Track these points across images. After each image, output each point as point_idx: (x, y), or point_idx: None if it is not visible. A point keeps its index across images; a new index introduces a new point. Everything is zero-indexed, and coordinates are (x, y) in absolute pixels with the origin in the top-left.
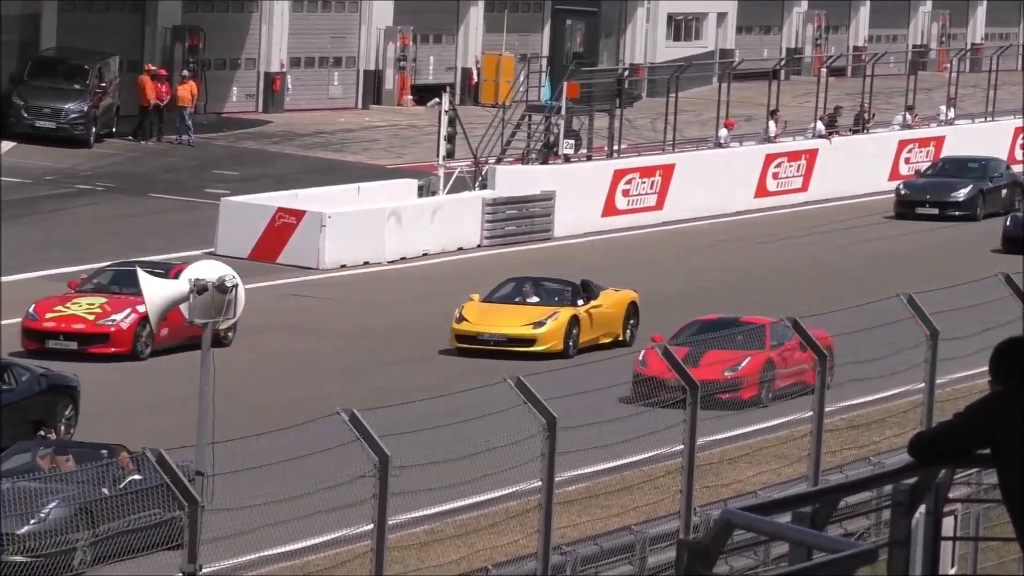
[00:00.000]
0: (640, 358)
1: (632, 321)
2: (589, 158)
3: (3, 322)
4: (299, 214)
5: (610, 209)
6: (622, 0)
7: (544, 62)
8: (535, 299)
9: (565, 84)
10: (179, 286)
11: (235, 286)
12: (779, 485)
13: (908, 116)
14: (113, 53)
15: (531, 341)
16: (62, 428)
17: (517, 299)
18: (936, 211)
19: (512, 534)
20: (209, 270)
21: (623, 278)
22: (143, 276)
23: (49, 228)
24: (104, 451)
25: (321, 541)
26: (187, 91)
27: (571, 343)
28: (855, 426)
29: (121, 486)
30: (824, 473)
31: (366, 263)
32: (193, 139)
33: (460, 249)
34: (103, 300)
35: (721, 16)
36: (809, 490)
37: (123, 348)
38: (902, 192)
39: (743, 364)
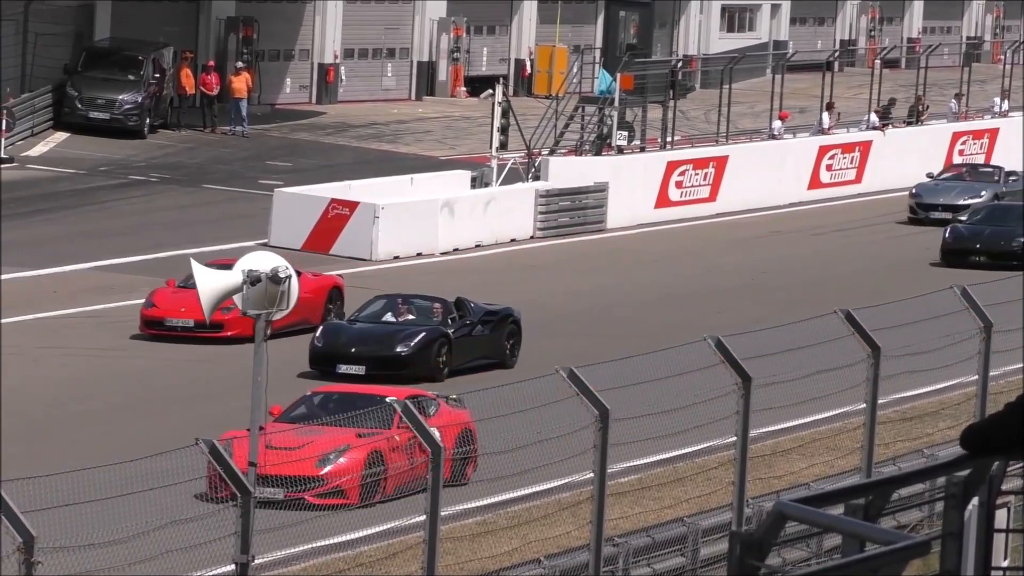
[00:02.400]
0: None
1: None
2: (642, 149)
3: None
4: (352, 205)
5: (663, 201)
6: None
7: (598, 53)
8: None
9: (619, 75)
10: (233, 277)
11: (288, 277)
12: (832, 477)
13: (957, 105)
14: (167, 44)
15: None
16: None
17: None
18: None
19: (564, 525)
20: (263, 261)
21: (675, 269)
22: (196, 267)
23: (103, 219)
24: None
25: (373, 532)
26: (242, 82)
27: None
28: (908, 418)
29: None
30: (877, 465)
31: (419, 254)
32: (247, 130)
33: (513, 240)
34: None
35: (775, 8)
36: (862, 482)
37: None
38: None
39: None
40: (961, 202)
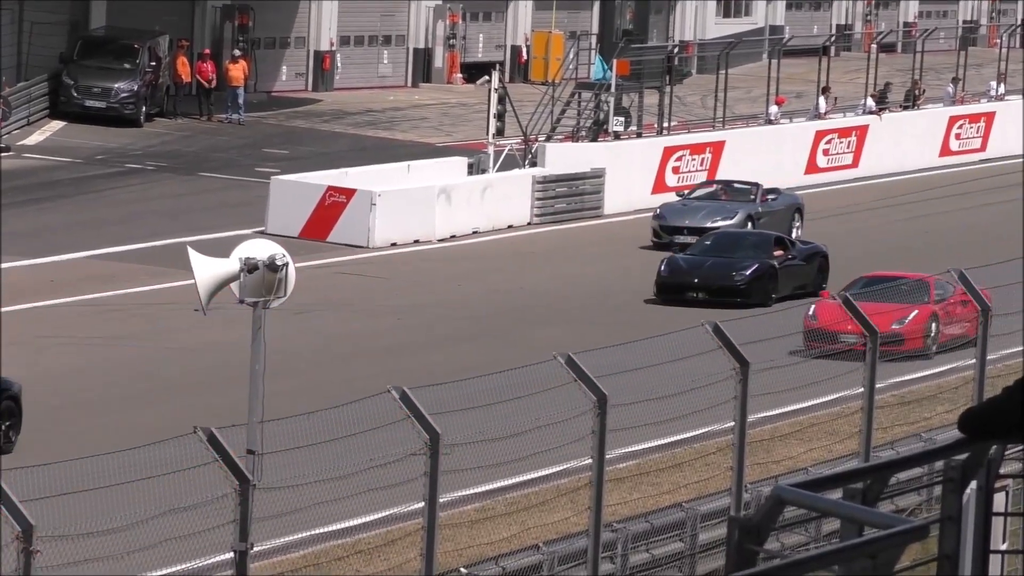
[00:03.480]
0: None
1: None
2: (639, 135)
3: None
4: (349, 193)
5: (660, 186)
6: None
7: (594, 39)
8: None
9: (615, 61)
10: (230, 265)
11: (285, 265)
12: (830, 462)
13: (953, 89)
14: (163, 32)
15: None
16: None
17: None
18: None
19: (563, 511)
20: (260, 249)
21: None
22: (193, 255)
23: (99, 207)
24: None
25: (372, 519)
26: (239, 70)
27: None
28: (906, 402)
29: None
30: (875, 449)
31: (416, 241)
32: (243, 118)
33: (510, 227)
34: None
35: None
36: (860, 466)
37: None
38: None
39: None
40: (710, 224)
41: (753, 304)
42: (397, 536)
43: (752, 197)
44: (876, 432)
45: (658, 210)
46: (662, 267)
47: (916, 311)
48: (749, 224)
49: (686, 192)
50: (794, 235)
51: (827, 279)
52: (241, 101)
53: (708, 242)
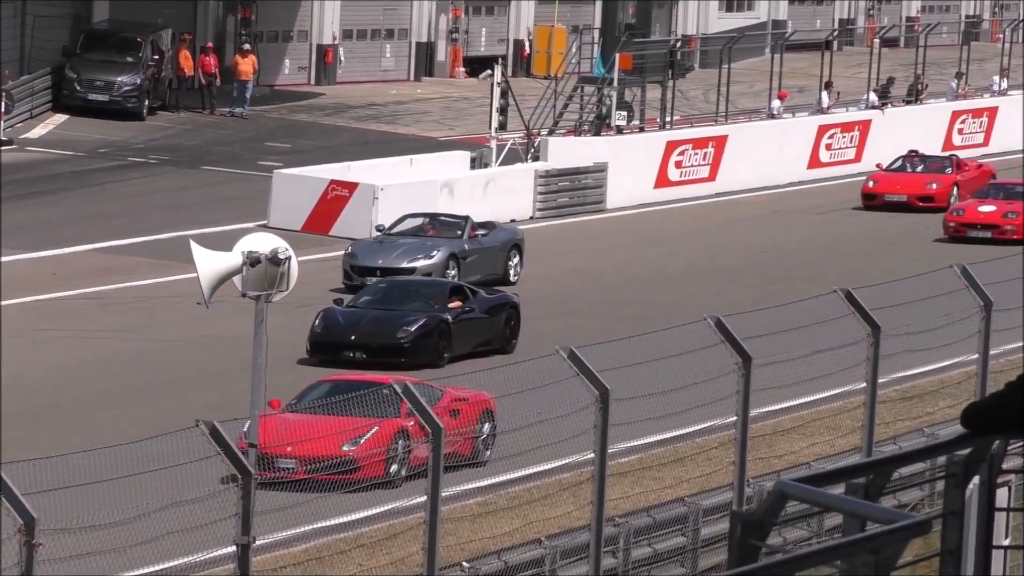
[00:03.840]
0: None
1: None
2: (641, 129)
3: (54, 295)
4: (352, 186)
5: (662, 180)
6: None
7: (596, 33)
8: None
9: (617, 55)
10: (232, 259)
11: (288, 258)
12: (832, 457)
13: (957, 84)
14: (166, 25)
15: None
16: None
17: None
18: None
19: (565, 506)
20: (262, 242)
21: (674, 249)
22: (195, 248)
23: (102, 201)
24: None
25: (374, 513)
26: (249, 64)
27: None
28: (908, 397)
29: None
30: (877, 444)
31: None
32: (247, 112)
33: (512, 221)
34: None
35: None
36: (862, 461)
37: None
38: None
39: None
40: (406, 265)
41: (421, 365)
42: (399, 530)
43: (459, 233)
44: (878, 427)
45: (350, 246)
46: (316, 322)
47: (377, 427)
48: (453, 265)
49: (386, 226)
50: (512, 275)
51: (517, 334)
52: (248, 95)
53: (376, 292)
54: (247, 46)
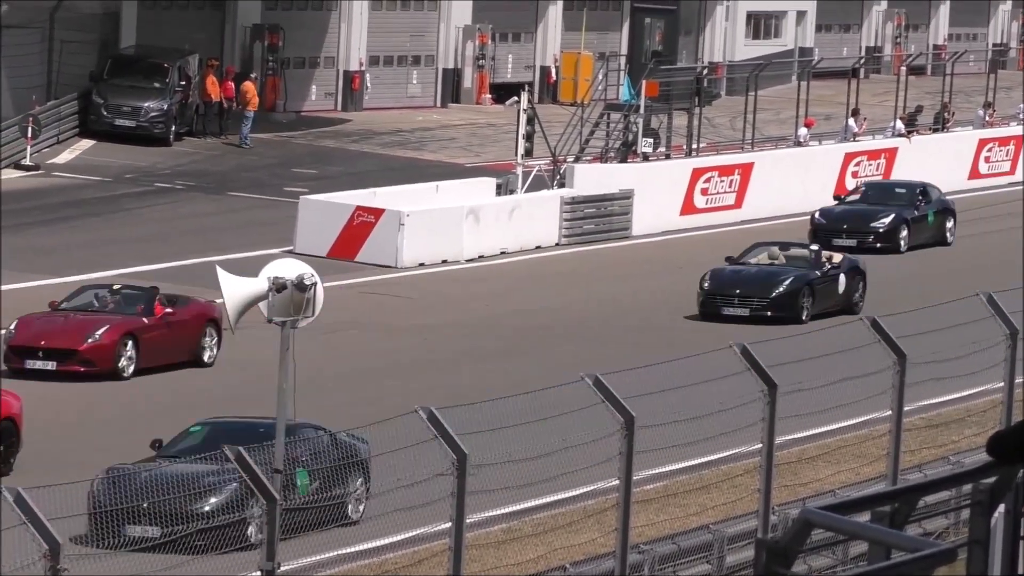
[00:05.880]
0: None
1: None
2: (668, 156)
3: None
4: (378, 212)
5: (688, 208)
6: None
7: (623, 60)
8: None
9: (644, 82)
10: (258, 284)
11: (314, 284)
12: (857, 484)
13: (984, 112)
14: (193, 51)
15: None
16: None
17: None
18: (854, 242)
19: (590, 532)
20: (288, 268)
21: (700, 276)
22: (222, 274)
23: (128, 226)
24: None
25: (399, 539)
26: (250, 91)
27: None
28: (934, 425)
29: None
30: (903, 472)
31: (444, 261)
32: (246, 142)
33: (538, 248)
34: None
35: (801, 14)
36: (888, 489)
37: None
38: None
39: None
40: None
41: None
42: (424, 556)
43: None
44: (904, 455)
45: (815, 213)
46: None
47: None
48: None
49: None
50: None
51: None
52: (247, 124)
53: None
54: (254, 74)
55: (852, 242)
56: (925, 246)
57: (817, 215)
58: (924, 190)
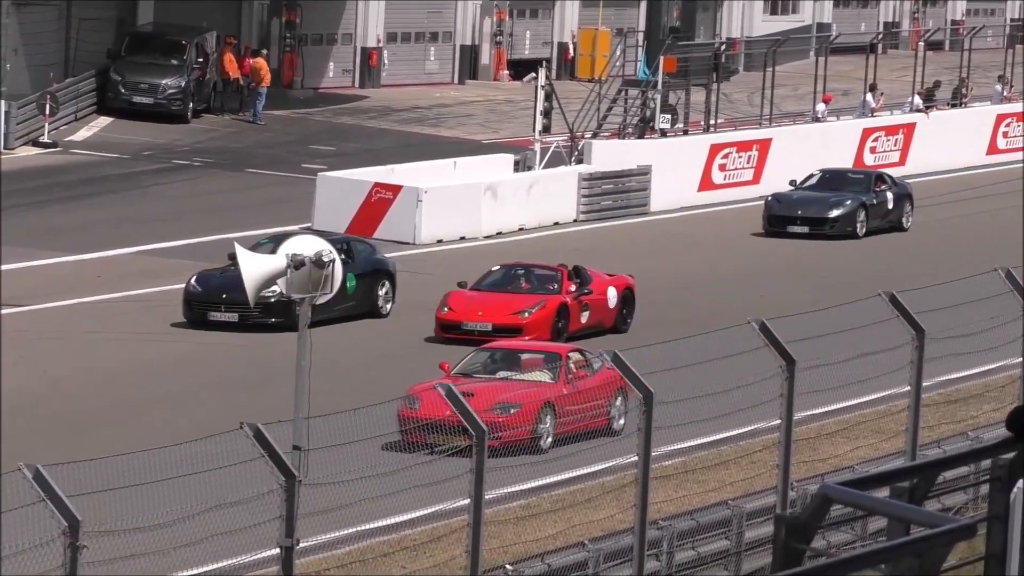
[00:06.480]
0: None
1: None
2: (686, 132)
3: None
4: (396, 189)
5: (706, 183)
6: None
7: (640, 36)
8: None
9: (662, 58)
10: (277, 261)
11: (332, 261)
12: (876, 460)
13: (1001, 87)
14: (210, 28)
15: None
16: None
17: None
18: (807, 228)
19: (608, 509)
20: (306, 245)
21: (718, 252)
22: (240, 251)
23: (146, 203)
24: None
25: (418, 515)
26: (260, 67)
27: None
28: (952, 400)
29: None
30: (922, 448)
31: (462, 238)
32: (259, 119)
33: (556, 224)
34: None
35: None
36: (907, 465)
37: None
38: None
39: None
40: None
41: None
42: (443, 533)
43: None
44: (923, 430)
45: (770, 197)
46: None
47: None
48: None
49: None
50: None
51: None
52: (259, 101)
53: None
54: (265, 50)
55: (805, 228)
56: (881, 231)
57: (771, 198)
58: (880, 176)
